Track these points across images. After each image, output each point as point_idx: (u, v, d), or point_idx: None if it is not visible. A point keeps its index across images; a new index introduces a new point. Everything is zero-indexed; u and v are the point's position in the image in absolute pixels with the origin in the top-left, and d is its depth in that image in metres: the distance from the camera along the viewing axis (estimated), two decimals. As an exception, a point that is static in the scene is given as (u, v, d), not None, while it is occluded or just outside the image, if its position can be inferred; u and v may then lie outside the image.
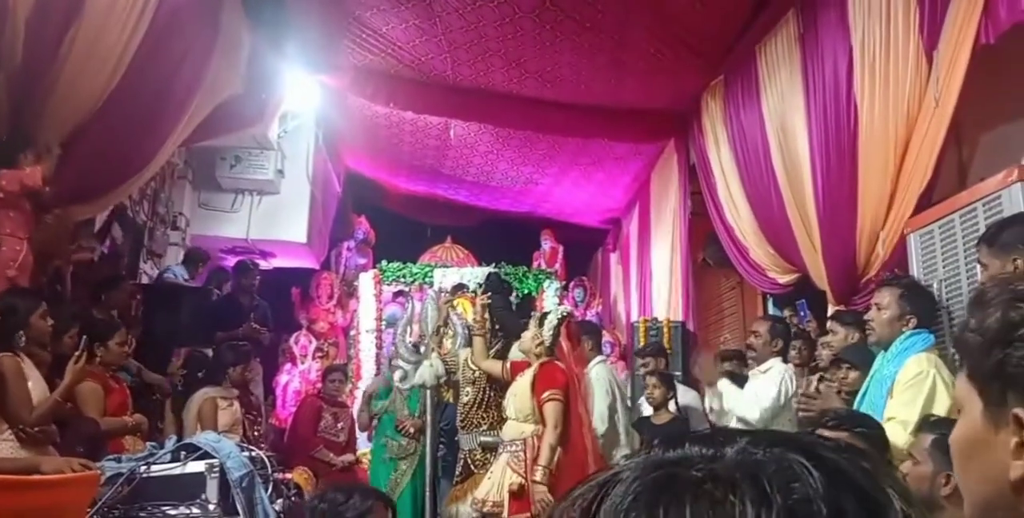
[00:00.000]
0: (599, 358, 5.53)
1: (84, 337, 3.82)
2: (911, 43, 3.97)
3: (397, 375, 5.55)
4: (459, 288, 6.48)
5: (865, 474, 0.46)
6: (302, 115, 8.11)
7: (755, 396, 4.43)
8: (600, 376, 5.22)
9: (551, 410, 4.23)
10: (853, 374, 3.53)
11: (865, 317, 3.41)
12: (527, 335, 4.59)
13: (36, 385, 3.49)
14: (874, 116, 4.26)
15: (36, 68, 4.19)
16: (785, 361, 4.58)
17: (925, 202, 3.87)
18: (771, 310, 6.49)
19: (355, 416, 6.49)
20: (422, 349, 5.48)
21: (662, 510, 0.44)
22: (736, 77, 6.14)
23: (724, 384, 4.61)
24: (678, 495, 0.44)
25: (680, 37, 6.16)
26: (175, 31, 4.92)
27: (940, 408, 2.88)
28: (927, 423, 2.37)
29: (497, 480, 4.32)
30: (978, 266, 2.91)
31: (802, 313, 5.50)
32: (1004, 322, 0.82)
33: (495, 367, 4.77)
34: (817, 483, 0.44)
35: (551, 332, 4.46)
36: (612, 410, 5.09)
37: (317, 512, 2.29)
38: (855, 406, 3.20)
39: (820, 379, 3.80)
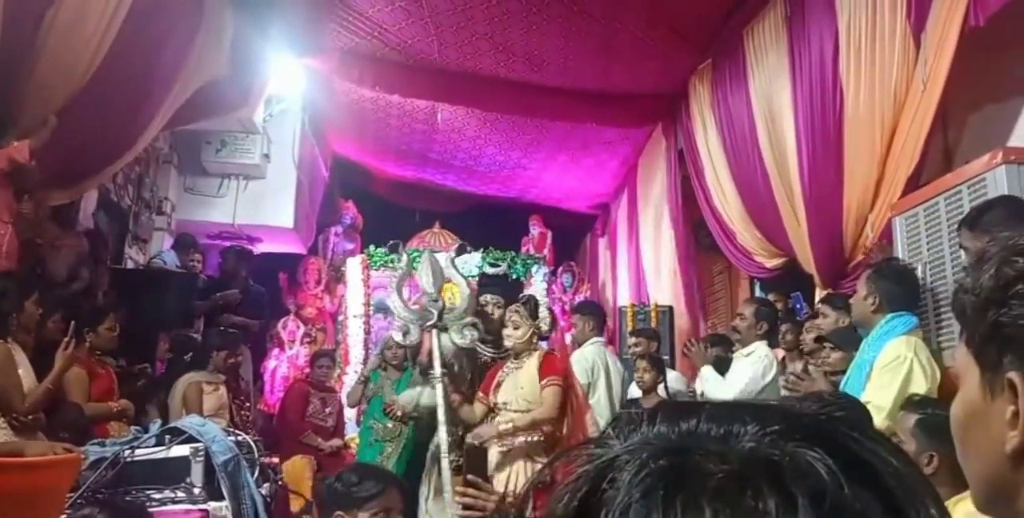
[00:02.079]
0: (596, 339, 5.46)
1: (73, 323, 3.79)
2: (898, 26, 3.96)
3: (397, 332, 4.69)
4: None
5: (893, 473, 0.43)
6: (288, 99, 8.05)
7: (731, 380, 4.44)
8: (586, 356, 5.18)
9: (549, 393, 4.19)
10: (835, 355, 3.55)
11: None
12: (519, 333, 4.37)
13: (25, 372, 3.47)
14: (860, 99, 4.26)
15: (15, 50, 4.12)
16: (771, 345, 4.60)
17: (913, 185, 3.87)
18: (758, 295, 6.50)
19: (344, 397, 6.47)
20: (431, 309, 4.51)
21: (679, 510, 0.40)
22: (724, 61, 6.13)
23: (707, 370, 4.63)
24: (694, 494, 0.41)
25: (668, 20, 6.13)
26: (156, 13, 4.86)
27: (915, 392, 2.89)
28: (910, 402, 2.37)
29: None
30: (962, 249, 2.91)
31: (798, 305, 5.48)
32: (998, 278, 0.74)
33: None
34: (845, 487, 0.41)
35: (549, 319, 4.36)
36: (593, 389, 5.07)
37: (331, 491, 2.34)
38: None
39: (807, 363, 3.83)
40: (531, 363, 4.31)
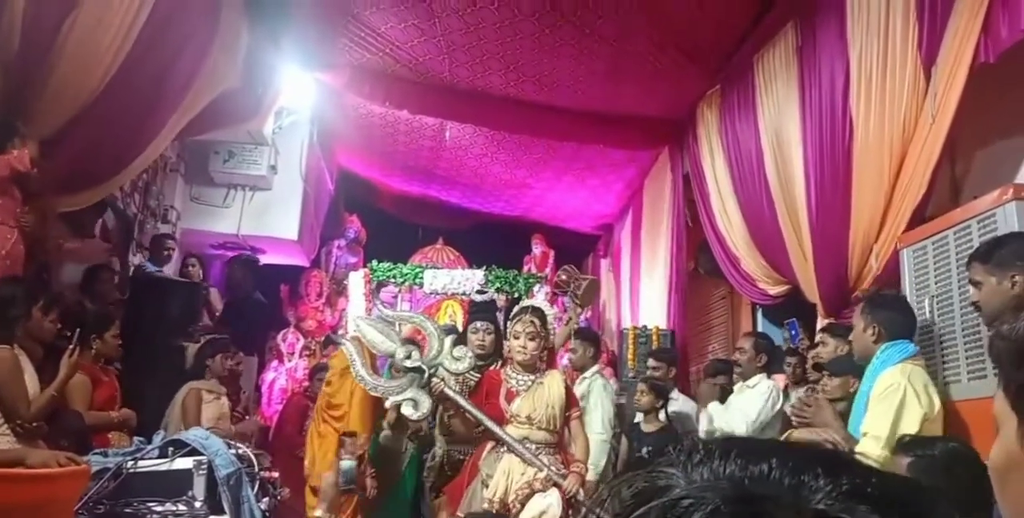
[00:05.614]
0: (596, 367, 5.57)
1: (78, 330, 3.79)
2: (909, 59, 3.99)
3: (407, 407, 3.96)
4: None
5: None
6: (297, 112, 8.08)
7: (742, 411, 4.50)
8: (606, 386, 5.38)
9: (579, 429, 4.01)
10: (832, 382, 3.58)
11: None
12: (533, 345, 3.96)
13: (30, 379, 3.47)
14: (869, 130, 4.28)
15: (32, 57, 4.15)
16: (770, 376, 4.68)
17: (919, 218, 3.89)
18: (760, 321, 6.51)
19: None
20: (410, 365, 4.00)
21: None
22: (733, 87, 6.17)
23: (713, 406, 4.73)
24: None
25: (679, 45, 6.19)
26: (174, 23, 4.90)
27: (910, 419, 2.90)
28: (900, 445, 2.33)
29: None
30: (969, 285, 2.91)
31: (793, 332, 5.52)
32: None
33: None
34: None
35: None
36: (618, 418, 5.25)
37: None
38: (848, 423, 3.21)
39: (809, 390, 3.85)
40: (556, 385, 3.95)
